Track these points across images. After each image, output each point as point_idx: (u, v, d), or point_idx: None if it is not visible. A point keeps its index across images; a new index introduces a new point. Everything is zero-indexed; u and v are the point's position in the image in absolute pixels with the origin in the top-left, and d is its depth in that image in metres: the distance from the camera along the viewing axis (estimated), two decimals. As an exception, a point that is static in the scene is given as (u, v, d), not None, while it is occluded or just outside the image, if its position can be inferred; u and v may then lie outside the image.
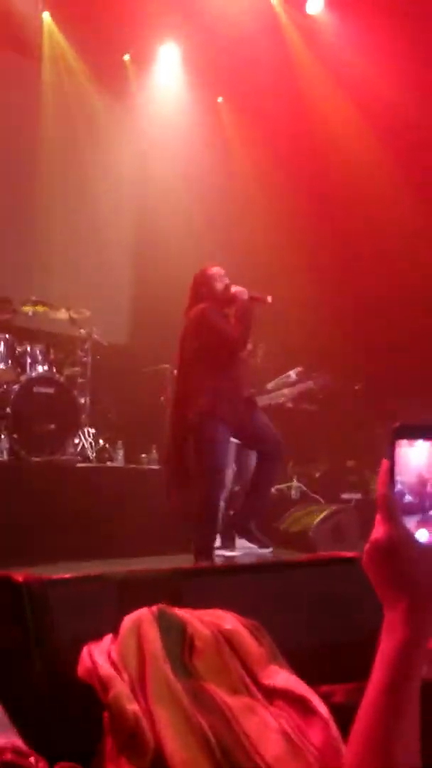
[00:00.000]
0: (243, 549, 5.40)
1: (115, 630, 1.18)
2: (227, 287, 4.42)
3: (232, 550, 5.11)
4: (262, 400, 5.36)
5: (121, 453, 6.28)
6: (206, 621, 1.24)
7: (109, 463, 6.09)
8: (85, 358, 6.29)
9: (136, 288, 8.13)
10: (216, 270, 4.55)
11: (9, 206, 6.94)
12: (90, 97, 7.57)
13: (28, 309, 5.96)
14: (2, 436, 5.49)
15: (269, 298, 4.41)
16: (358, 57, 6.85)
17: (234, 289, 4.39)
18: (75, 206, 7.40)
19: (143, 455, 6.48)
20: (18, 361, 5.82)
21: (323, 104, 7.38)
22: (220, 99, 8.31)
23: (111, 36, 7.08)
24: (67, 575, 1.28)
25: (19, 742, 1.06)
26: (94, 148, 7.60)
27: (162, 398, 6.71)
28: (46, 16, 7.22)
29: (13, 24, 6.81)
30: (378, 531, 0.85)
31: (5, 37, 6.86)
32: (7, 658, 1.17)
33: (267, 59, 7.24)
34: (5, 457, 5.47)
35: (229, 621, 1.26)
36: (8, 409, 5.56)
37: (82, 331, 6.28)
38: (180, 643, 1.20)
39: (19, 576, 1.25)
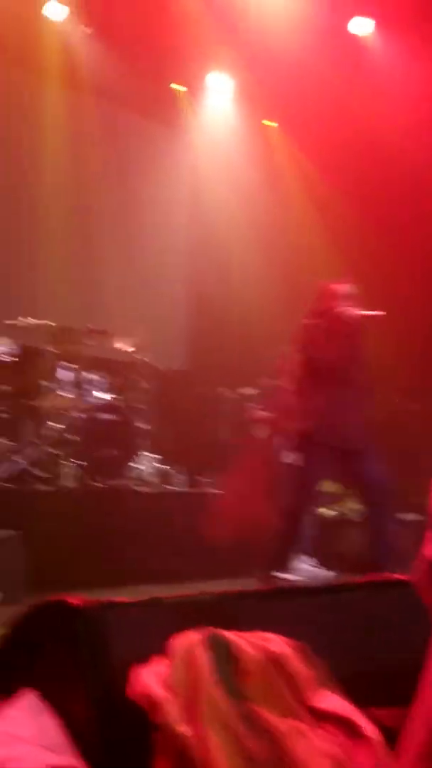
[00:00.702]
0: (304, 573, 5.37)
1: (165, 652, 1.22)
2: (339, 306, 4.25)
3: (290, 574, 5.08)
4: None
5: (181, 477, 6.34)
6: (254, 644, 1.27)
7: (170, 488, 6.15)
8: (145, 384, 6.40)
9: (192, 313, 8.24)
10: (339, 288, 4.40)
11: (66, 237, 7.16)
12: (143, 128, 7.77)
13: (89, 338, 6.11)
14: (68, 463, 5.62)
15: (381, 313, 4.23)
16: (409, 79, 6.85)
17: (344, 309, 4.21)
18: (130, 234, 7.58)
19: (204, 479, 6.52)
20: (81, 389, 5.96)
21: (374, 126, 7.39)
22: (269, 123, 8.40)
23: (162, 67, 7.27)
24: (121, 599, 1.33)
25: (76, 762, 1.10)
26: (147, 176, 7.78)
27: (221, 422, 6.76)
28: (102, 54, 7.46)
29: (67, 61, 7.08)
30: (428, 548, 0.85)
31: (59, 74, 7.13)
32: (63, 680, 1.22)
33: (316, 82, 7.30)
34: (71, 483, 5.59)
35: (277, 644, 1.29)
36: (72, 437, 5.69)
37: (140, 357, 6.40)
38: (229, 666, 1.23)
39: (74, 600, 1.30)
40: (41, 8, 6.84)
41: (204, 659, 1.23)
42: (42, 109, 7.19)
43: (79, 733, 1.08)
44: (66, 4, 6.83)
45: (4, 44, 6.57)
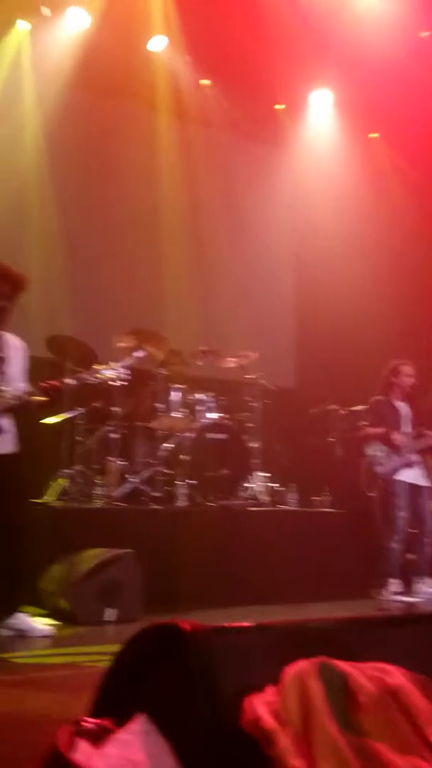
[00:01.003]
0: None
1: (277, 681, 1.19)
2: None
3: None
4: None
5: (293, 496, 6.28)
6: (370, 675, 1.22)
7: (282, 507, 6.11)
8: (254, 403, 6.41)
9: (300, 331, 8.19)
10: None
11: (176, 261, 7.31)
12: (247, 149, 7.84)
13: (198, 359, 6.19)
14: (180, 483, 5.69)
15: None
16: None
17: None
18: (239, 255, 7.64)
19: (316, 498, 6.43)
20: (191, 410, 6.05)
21: None
22: (373, 135, 8.28)
23: (262, 87, 7.33)
24: (231, 625, 1.32)
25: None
26: (254, 197, 7.84)
27: (332, 439, 6.66)
28: (204, 82, 7.63)
29: (171, 90, 7.27)
30: None
31: (166, 104, 7.33)
32: (172, 705, 1.21)
33: (418, 91, 7.14)
34: (184, 502, 5.66)
35: (395, 676, 1.23)
36: (184, 457, 5.77)
37: (249, 376, 6.42)
38: (343, 698, 1.19)
39: (185, 624, 1.30)
40: (145, 42, 7.06)
41: (316, 690, 1.19)
42: (150, 139, 7.41)
43: (189, 759, 1.07)
44: (166, 35, 7.01)
45: (113, 78, 6.83)
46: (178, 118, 7.51)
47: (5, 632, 3.93)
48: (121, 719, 1.25)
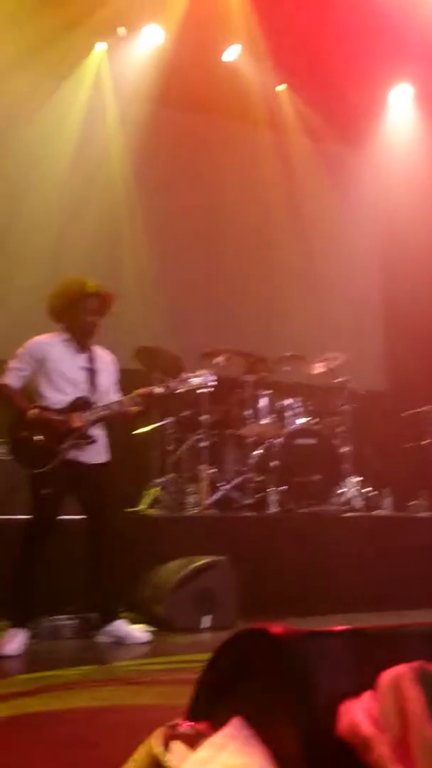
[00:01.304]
0: None
1: (373, 686, 1.16)
2: None
3: None
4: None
5: (388, 501, 6.15)
6: (471, 681, 1.17)
7: (376, 512, 5.99)
8: (344, 407, 6.32)
9: (389, 333, 8.03)
10: None
11: (257, 269, 7.32)
12: (327, 151, 7.77)
13: (284, 364, 6.17)
14: (271, 490, 5.67)
15: None
16: None
17: None
18: (321, 257, 7.57)
19: (412, 502, 6.27)
20: (280, 416, 6.03)
21: None
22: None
23: (341, 88, 7.25)
24: (323, 629, 1.30)
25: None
26: (335, 198, 7.75)
27: (427, 441, 6.48)
28: (281, 88, 7.64)
29: (252, 100, 7.31)
30: None
31: (245, 113, 7.36)
32: (267, 710, 1.21)
33: None
34: (275, 509, 5.64)
35: None
36: (274, 463, 5.75)
37: (338, 380, 6.34)
38: (444, 705, 1.15)
39: (277, 629, 1.29)
40: (220, 53, 7.12)
41: (414, 695, 1.16)
42: (230, 148, 7.47)
43: (285, 765, 1.06)
44: (240, 44, 7.05)
45: (190, 91, 6.92)
46: (258, 126, 7.53)
47: (104, 639, 4.02)
48: (217, 723, 1.25)
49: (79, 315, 4.09)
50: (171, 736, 1.20)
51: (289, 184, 7.58)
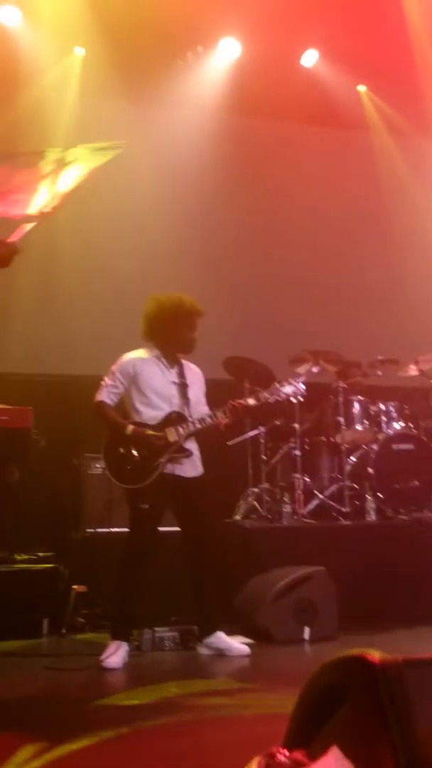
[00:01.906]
0: None
1: None
2: None
3: None
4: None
5: None
6: None
7: None
8: (442, 410, 6.13)
9: None
10: None
11: (344, 269, 7.22)
12: (409, 148, 7.59)
13: (377, 368, 6.05)
14: (368, 497, 5.57)
15: None
16: None
17: None
18: (408, 255, 7.37)
19: None
20: (374, 421, 5.91)
21: None
22: None
23: (421, 83, 7.07)
24: (425, 656, 1.25)
25: None
26: (422, 195, 7.55)
27: None
28: (360, 87, 7.53)
29: (332, 103, 7.23)
30: None
31: (326, 116, 7.30)
32: (366, 742, 1.17)
33: None
34: (373, 517, 5.53)
35: None
36: (370, 470, 5.64)
37: (434, 382, 6.16)
38: None
39: (374, 656, 1.25)
40: (298, 59, 7.09)
41: None
42: (313, 153, 7.41)
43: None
44: (317, 48, 7.00)
45: (270, 100, 6.92)
46: (339, 128, 7.46)
47: (205, 651, 4.05)
48: (314, 751, 1.22)
49: (182, 332, 4.16)
50: (268, 766, 1.18)
51: (374, 184, 7.45)
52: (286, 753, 1.23)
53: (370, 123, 7.58)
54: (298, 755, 1.22)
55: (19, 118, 6.36)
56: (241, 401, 4.18)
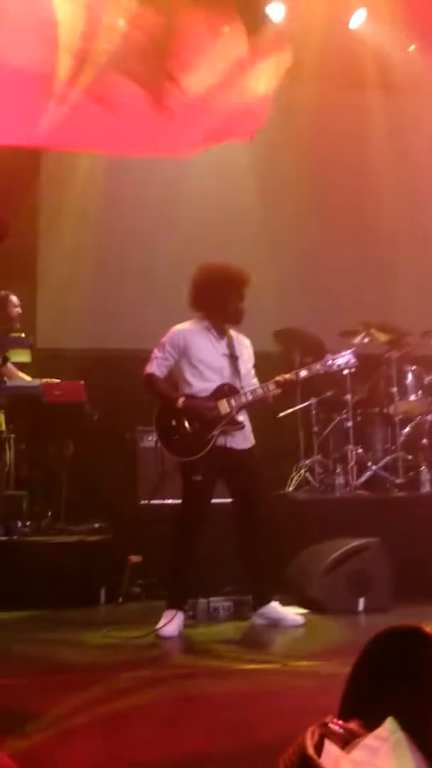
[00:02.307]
0: None
1: None
2: None
3: None
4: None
5: None
6: None
7: None
8: None
9: None
10: None
11: (394, 243, 7.06)
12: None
13: (430, 338, 5.92)
14: (423, 468, 5.50)
15: None
16: None
17: None
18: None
19: None
20: (428, 391, 5.81)
21: None
22: None
23: None
24: None
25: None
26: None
27: None
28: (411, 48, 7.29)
29: (383, 67, 7.03)
30: None
31: (376, 78, 7.10)
32: (421, 714, 1.17)
33: None
34: (428, 488, 5.46)
35: None
36: (425, 440, 5.56)
37: None
38: None
39: (429, 628, 1.25)
40: (346, 21, 6.89)
41: None
42: (363, 117, 7.24)
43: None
44: (366, 7, 6.77)
45: (318, 64, 6.75)
46: (389, 90, 7.25)
47: (259, 621, 4.08)
48: (369, 723, 1.22)
49: (230, 303, 4.14)
50: (323, 735, 1.19)
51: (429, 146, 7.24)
52: (341, 723, 1.24)
53: (421, 85, 7.34)
54: (353, 726, 1.23)
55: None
56: (293, 374, 4.16)
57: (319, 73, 6.89)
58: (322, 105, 7.14)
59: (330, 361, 4.26)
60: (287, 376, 4.12)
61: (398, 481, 5.48)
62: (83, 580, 4.71)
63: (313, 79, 6.99)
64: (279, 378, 4.10)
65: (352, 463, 5.47)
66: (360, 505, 5.25)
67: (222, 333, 4.20)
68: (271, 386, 4.10)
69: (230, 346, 4.20)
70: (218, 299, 4.14)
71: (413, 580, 4.61)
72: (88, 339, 6.48)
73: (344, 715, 1.30)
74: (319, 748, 1.15)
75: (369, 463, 5.61)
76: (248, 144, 6.85)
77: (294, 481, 5.66)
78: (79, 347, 6.39)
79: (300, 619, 4.07)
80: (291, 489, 5.61)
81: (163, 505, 4.68)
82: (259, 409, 4.29)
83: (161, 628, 3.81)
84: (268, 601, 4.10)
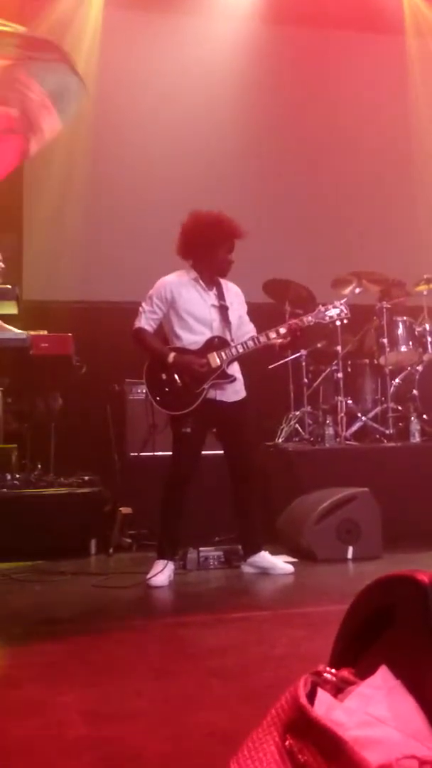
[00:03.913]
0: None
1: None
2: None
3: None
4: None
5: None
6: None
7: None
8: None
9: None
10: None
11: (384, 185, 6.95)
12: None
13: (423, 288, 5.87)
14: (413, 419, 5.50)
15: None
16: None
17: None
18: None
19: None
20: (419, 342, 5.78)
21: None
22: None
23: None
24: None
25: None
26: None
27: None
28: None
29: (373, 7, 6.82)
30: None
31: (366, 22, 6.89)
32: (414, 662, 1.16)
33: None
34: (417, 438, 5.47)
35: None
36: (415, 391, 5.56)
37: None
38: None
39: (423, 576, 1.23)
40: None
41: None
42: (356, 60, 7.06)
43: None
44: None
45: (305, 5, 6.55)
46: (383, 33, 7.05)
47: (249, 569, 4.11)
48: (361, 671, 1.21)
49: (218, 253, 4.06)
50: (315, 684, 1.18)
51: (416, 92, 7.09)
52: (333, 671, 1.23)
53: (416, 26, 7.16)
54: (346, 674, 1.22)
55: (43, 30, 6.16)
56: (298, 320, 4.10)
57: (296, 16, 6.69)
58: (309, 50, 6.95)
59: (323, 313, 4.21)
60: (292, 322, 4.06)
61: (388, 431, 5.49)
62: (73, 532, 4.73)
63: (294, 23, 6.80)
64: (284, 325, 4.04)
65: (342, 414, 5.46)
66: (349, 456, 5.27)
67: (210, 284, 4.13)
68: (262, 338, 4.05)
69: (220, 296, 4.13)
70: (207, 248, 4.06)
71: (402, 528, 4.67)
72: (76, 291, 6.39)
73: (336, 663, 1.29)
74: (311, 696, 1.14)
75: (359, 414, 5.60)
76: (234, 92, 6.70)
77: (284, 433, 5.66)
78: (66, 299, 6.30)
79: (290, 568, 4.10)
80: (281, 440, 5.62)
81: (153, 457, 4.67)
82: (250, 360, 4.25)
83: (152, 577, 3.84)
84: (259, 550, 4.12)
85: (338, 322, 4.52)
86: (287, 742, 1.08)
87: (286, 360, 5.66)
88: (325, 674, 1.22)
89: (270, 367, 5.50)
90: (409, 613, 1.22)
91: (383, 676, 1.17)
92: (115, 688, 2.20)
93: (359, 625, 1.32)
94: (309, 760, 1.03)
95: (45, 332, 5.26)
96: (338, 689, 1.19)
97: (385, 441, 5.46)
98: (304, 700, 1.11)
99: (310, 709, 1.09)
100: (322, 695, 1.14)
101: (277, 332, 4.02)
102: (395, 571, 1.29)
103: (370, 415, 5.61)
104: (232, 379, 4.06)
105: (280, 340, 4.04)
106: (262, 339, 4.04)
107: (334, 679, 1.20)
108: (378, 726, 1.07)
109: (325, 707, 1.10)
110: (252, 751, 1.11)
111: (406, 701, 1.12)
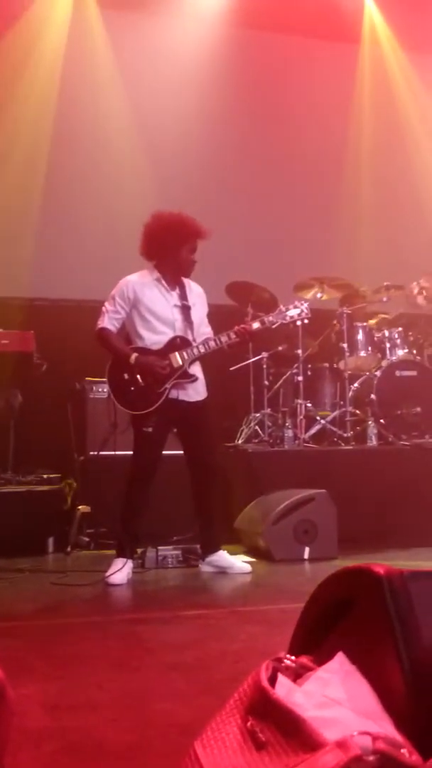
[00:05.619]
0: None
1: None
2: None
3: None
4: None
5: None
6: None
7: None
8: (446, 337, 6.11)
9: None
10: None
11: (345, 192, 7.07)
12: (409, 69, 7.34)
13: (382, 295, 5.99)
14: (370, 423, 5.61)
15: None
16: None
17: None
18: (419, 177, 7.22)
19: None
20: (378, 347, 5.90)
21: None
22: None
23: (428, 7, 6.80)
24: (427, 570, 1.28)
25: (393, 733, 1.09)
26: (418, 120, 7.35)
27: None
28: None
29: (336, 17, 6.94)
30: None
31: (328, 30, 7.01)
32: (371, 650, 1.21)
33: None
34: (374, 442, 5.58)
35: None
36: (373, 396, 5.66)
37: (439, 309, 6.12)
38: None
39: (379, 568, 1.28)
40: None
41: None
42: (317, 67, 7.17)
43: (389, 701, 1.08)
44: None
45: (271, 10, 6.62)
46: (344, 42, 7.19)
47: (207, 568, 4.16)
48: (319, 658, 1.26)
49: (181, 253, 4.09)
50: (276, 670, 1.22)
51: (382, 99, 7.24)
52: (293, 658, 1.28)
53: (375, 37, 7.32)
54: (305, 660, 1.27)
55: (8, 30, 6.16)
56: (246, 325, 4.16)
57: (274, 22, 6.78)
58: (276, 52, 7.04)
59: (284, 313, 4.28)
60: (239, 327, 4.12)
61: (346, 435, 5.59)
62: (31, 530, 4.71)
63: (270, 27, 6.88)
64: (234, 330, 4.10)
65: (301, 417, 5.54)
66: (308, 458, 5.35)
67: (173, 284, 4.17)
68: (224, 338, 4.10)
69: (182, 296, 4.17)
70: (170, 248, 4.09)
71: (358, 530, 4.76)
72: (36, 288, 6.35)
73: (295, 651, 1.34)
74: (272, 681, 1.19)
75: (318, 417, 5.69)
76: (204, 91, 6.75)
77: (244, 434, 5.72)
78: (26, 296, 6.27)
79: (247, 567, 4.16)
80: (241, 441, 5.67)
81: (113, 456, 4.68)
82: (211, 362, 4.29)
83: (111, 575, 3.85)
84: (217, 550, 4.17)
85: (299, 322, 4.58)
86: (249, 723, 1.12)
87: (247, 363, 5.73)
88: (285, 661, 1.27)
89: (231, 369, 5.56)
90: (366, 603, 1.27)
91: (340, 661, 1.22)
92: (76, 681, 2.22)
93: (318, 615, 1.37)
94: (270, 739, 1.08)
95: (4, 330, 5.24)
96: (297, 674, 1.24)
97: (343, 444, 5.56)
98: (265, 683, 1.15)
99: (271, 691, 1.14)
100: (283, 680, 1.19)
101: (228, 336, 4.08)
102: (353, 564, 1.35)
103: (329, 418, 5.70)
104: (193, 378, 4.10)
105: (231, 341, 4.10)
106: (224, 339, 4.09)
107: (293, 665, 1.25)
108: (334, 707, 1.12)
109: (286, 690, 1.15)
110: (216, 732, 1.15)
111: (361, 684, 1.18)
